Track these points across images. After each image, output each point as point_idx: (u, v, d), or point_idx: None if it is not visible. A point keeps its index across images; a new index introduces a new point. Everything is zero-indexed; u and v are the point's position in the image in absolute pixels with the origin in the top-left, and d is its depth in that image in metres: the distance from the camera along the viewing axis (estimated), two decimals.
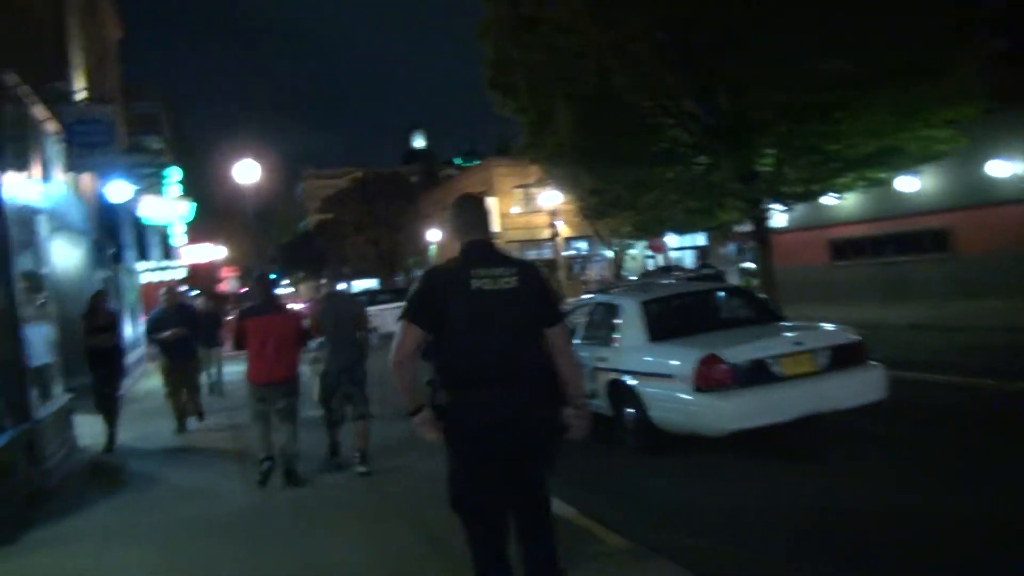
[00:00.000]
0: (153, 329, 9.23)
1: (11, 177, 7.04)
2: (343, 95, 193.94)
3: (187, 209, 19.28)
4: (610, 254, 42.23)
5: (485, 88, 17.99)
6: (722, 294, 7.65)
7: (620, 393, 6.68)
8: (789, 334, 6.14)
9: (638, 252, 44.70)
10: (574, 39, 15.64)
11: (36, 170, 8.09)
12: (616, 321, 6.92)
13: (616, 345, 6.85)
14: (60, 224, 9.32)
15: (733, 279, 26.37)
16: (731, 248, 24.97)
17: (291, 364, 6.46)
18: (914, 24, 12.39)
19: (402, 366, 2.95)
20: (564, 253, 43.62)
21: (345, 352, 6.66)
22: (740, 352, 5.77)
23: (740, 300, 7.37)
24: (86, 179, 11.07)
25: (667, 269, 42.02)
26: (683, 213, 20.08)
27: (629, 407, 6.58)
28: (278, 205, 62.40)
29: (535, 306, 3.07)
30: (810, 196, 17.69)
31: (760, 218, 18.78)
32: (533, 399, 2.99)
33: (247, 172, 18.58)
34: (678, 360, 5.99)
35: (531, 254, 43.75)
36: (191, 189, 28.04)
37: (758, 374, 5.73)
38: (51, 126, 8.79)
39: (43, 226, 8.34)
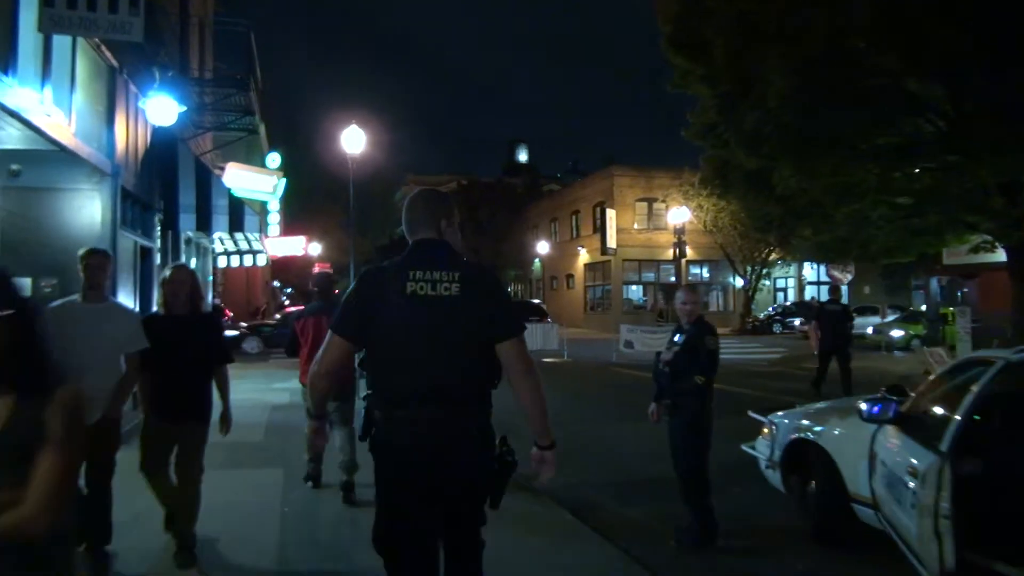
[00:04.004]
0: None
1: None
2: (444, 107, 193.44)
3: (278, 184, 15.91)
4: (739, 282, 37.26)
5: (664, 49, 13.80)
6: None
7: None
8: None
9: (769, 284, 39.52)
10: None
11: None
12: None
13: None
14: (46, 151, 5.72)
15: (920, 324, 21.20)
16: (934, 285, 19.80)
17: None
18: None
19: (321, 379, 2.65)
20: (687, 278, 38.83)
21: None
22: None
23: None
24: (120, 94, 7.54)
25: (802, 304, 36.80)
26: (900, 232, 15.28)
27: None
28: (377, 208, 60.41)
29: (482, 316, 2.57)
30: None
31: None
32: (470, 426, 2.56)
33: (352, 141, 15.13)
34: None
35: (649, 276, 39.37)
36: (287, 169, 25.17)
37: None
38: None
39: None
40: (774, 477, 5.17)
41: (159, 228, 9.33)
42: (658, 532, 4.96)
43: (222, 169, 15.61)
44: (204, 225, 9.36)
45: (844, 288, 40.44)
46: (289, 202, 39.93)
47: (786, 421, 5.16)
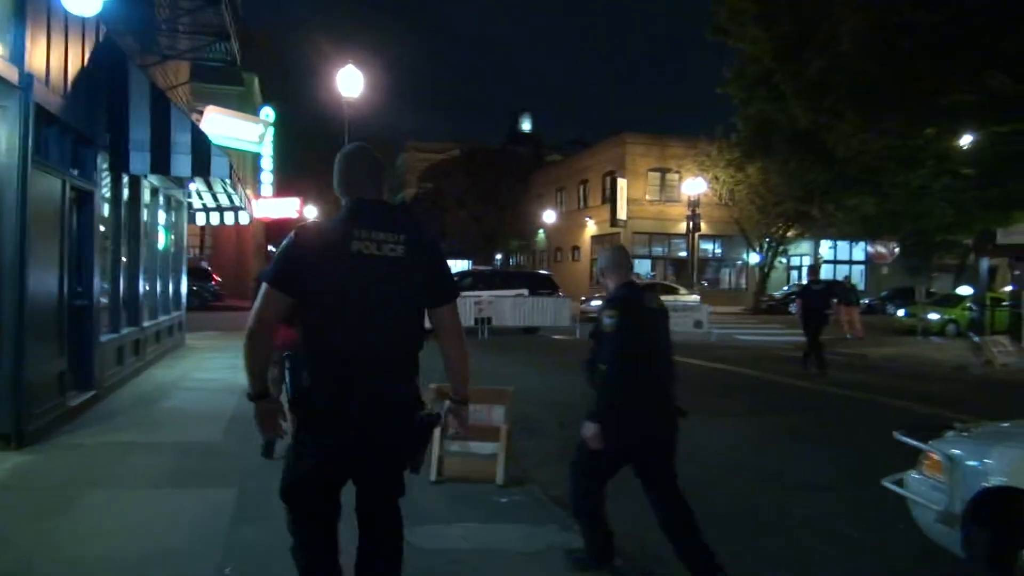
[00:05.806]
0: None
1: None
2: (448, 74, 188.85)
3: (265, 132, 14.08)
4: (754, 259, 35.60)
5: None
6: None
7: None
8: None
9: (784, 262, 37.81)
10: None
11: None
12: None
13: None
14: None
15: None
16: (984, 266, 18.08)
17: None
18: None
19: (258, 337, 2.48)
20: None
21: None
22: None
23: None
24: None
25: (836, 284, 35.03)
26: (967, 205, 13.59)
27: None
28: None
29: (424, 280, 2.60)
30: None
31: None
32: (402, 389, 2.55)
33: (349, 83, 13.32)
34: None
35: (659, 250, 37.71)
36: (281, 128, 23.28)
37: None
38: None
39: None
40: (949, 537, 3.52)
41: (106, 168, 7.59)
42: None
43: (200, 113, 13.82)
44: (161, 166, 7.61)
45: (862, 269, 38.86)
46: (284, 162, 37.92)
47: (972, 458, 3.48)
